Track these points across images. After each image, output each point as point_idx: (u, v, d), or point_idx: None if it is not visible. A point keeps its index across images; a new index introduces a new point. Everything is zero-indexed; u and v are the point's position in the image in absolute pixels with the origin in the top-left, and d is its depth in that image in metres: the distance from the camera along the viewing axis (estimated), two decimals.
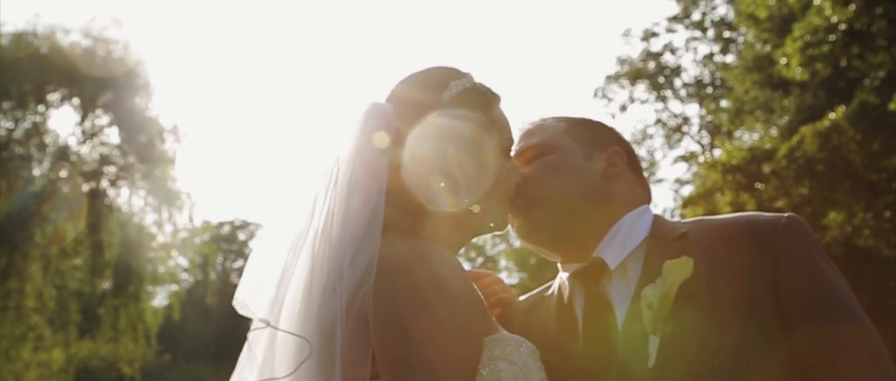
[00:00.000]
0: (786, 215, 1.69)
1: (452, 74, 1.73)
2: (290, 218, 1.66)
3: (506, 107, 1.78)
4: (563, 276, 1.83)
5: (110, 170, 19.57)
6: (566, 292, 1.78)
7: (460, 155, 1.64)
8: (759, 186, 12.85)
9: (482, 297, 1.68)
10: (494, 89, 1.76)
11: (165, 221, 19.92)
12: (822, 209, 12.14)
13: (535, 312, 1.83)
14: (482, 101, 1.72)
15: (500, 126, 1.74)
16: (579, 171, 1.80)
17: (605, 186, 1.80)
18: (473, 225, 1.71)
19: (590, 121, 1.91)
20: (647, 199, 1.86)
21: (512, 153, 1.81)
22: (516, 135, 1.86)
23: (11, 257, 17.70)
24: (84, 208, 18.49)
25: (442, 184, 1.63)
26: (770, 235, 1.63)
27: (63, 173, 19.02)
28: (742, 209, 12.19)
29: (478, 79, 1.76)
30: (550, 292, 1.86)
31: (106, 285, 19.86)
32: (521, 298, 1.95)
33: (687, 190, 21.18)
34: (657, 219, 1.78)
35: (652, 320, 1.58)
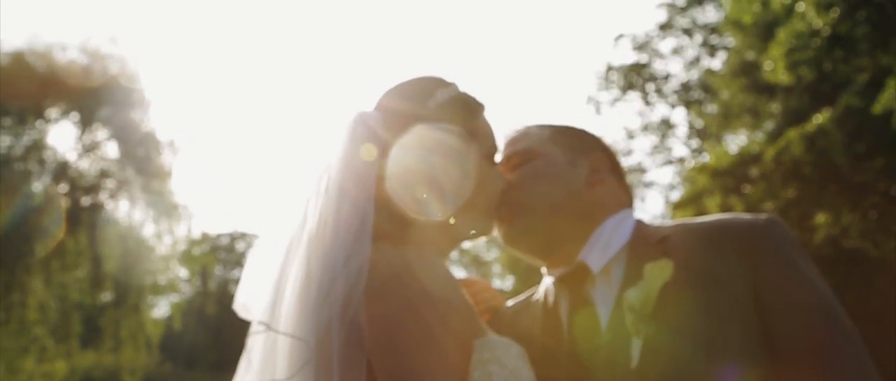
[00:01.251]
0: (764, 216, 1.70)
1: (438, 84, 1.74)
2: (284, 222, 1.67)
3: (493, 114, 1.80)
4: (548, 281, 1.84)
5: (109, 183, 19.54)
6: (551, 297, 1.79)
7: (444, 164, 1.65)
8: (747, 189, 12.87)
9: (472, 303, 1.69)
10: (479, 98, 1.77)
11: (164, 233, 19.91)
12: (809, 211, 12.16)
13: (521, 316, 1.84)
14: (467, 109, 1.73)
15: (484, 134, 1.75)
16: (563, 177, 1.81)
17: (589, 192, 1.81)
18: (459, 231, 1.72)
19: (573, 128, 1.92)
20: (630, 204, 1.87)
21: (497, 160, 1.82)
22: (501, 142, 1.88)
23: (13, 271, 17.67)
24: (84, 221, 18.46)
25: (426, 193, 1.64)
26: (748, 236, 1.64)
27: (63, 188, 18.99)
28: (730, 212, 12.21)
29: (465, 87, 1.77)
30: (536, 297, 1.87)
31: (107, 296, 19.84)
32: (509, 303, 1.96)
33: (676, 194, 21.20)
34: (639, 223, 1.79)
35: (634, 322, 1.59)
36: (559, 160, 1.82)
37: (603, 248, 1.73)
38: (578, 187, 1.80)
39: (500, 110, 1.82)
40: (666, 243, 1.68)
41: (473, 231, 1.75)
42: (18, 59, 18.19)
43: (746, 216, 1.71)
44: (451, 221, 1.68)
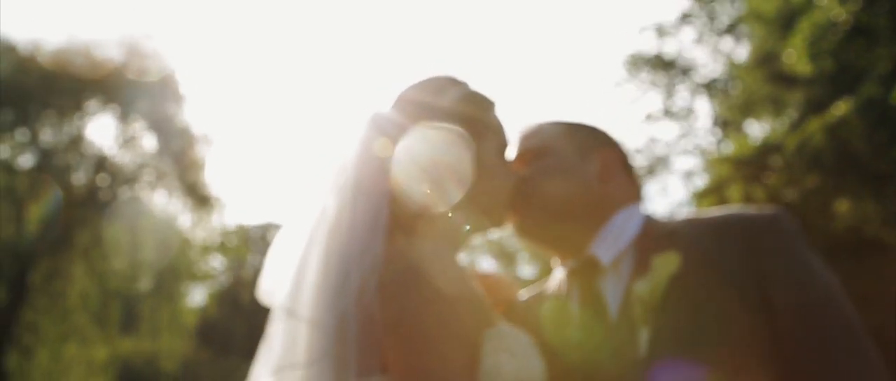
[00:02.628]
0: (771, 210, 1.70)
1: (449, 83, 1.77)
2: (306, 215, 1.70)
3: (508, 108, 1.83)
4: (559, 273, 1.86)
5: (147, 175, 19.78)
6: (563, 288, 1.81)
7: (456, 160, 1.68)
8: (769, 178, 12.77)
9: (485, 294, 1.71)
10: (489, 95, 1.80)
11: (200, 223, 20.15)
12: (830, 199, 12.05)
13: (533, 308, 1.85)
14: (477, 106, 1.76)
15: (495, 130, 1.77)
16: (574, 172, 1.82)
17: (599, 188, 1.82)
18: (471, 224, 1.75)
19: (585, 125, 1.93)
20: (639, 198, 1.88)
21: (510, 156, 1.84)
22: (515, 138, 1.90)
23: (56, 261, 17.97)
24: (123, 212, 18.71)
25: (438, 187, 1.66)
26: (754, 231, 1.64)
27: (103, 179, 19.26)
28: (752, 201, 12.17)
29: (478, 83, 1.80)
30: (548, 288, 1.89)
31: (145, 285, 20.11)
32: (521, 294, 1.97)
33: (698, 182, 21.03)
34: (648, 218, 1.80)
35: (642, 313, 1.61)
36: (571, 156, 1.84)
37: (613, 241, 1.75)
38: (589, 183, 1.82)
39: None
40: (674, 237, 1.69)
41: (485, 225, 1.78)
42: (60, 56, 18.46)
43: (753, 211, 1.71)
44: (463, 214, 1.70)
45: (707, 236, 1.67)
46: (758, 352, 1.56)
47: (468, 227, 1.74)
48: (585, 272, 1.75)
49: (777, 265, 1.60)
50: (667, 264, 1.62)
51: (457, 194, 1.68)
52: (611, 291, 1.71)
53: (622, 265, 1.72)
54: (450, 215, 1.69)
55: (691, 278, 1.61)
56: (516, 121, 1.94)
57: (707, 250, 1.64)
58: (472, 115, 1.73)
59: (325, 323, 1.54)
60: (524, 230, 1.85)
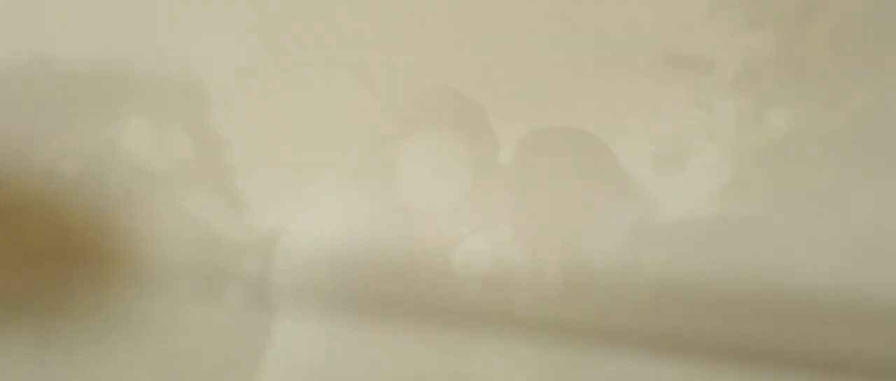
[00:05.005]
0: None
1: (444, 90, 1.77)
2: (313, 217, 1.71)
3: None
4: None
5: (182, 179, 20.17)
6: None
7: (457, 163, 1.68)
8: (789, 169, 12.74)
9: None
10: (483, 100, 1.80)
11: (235, 225, 20.54)
12: (851, 189, 11.99)
13: None
14: (472, 112, 1.76)
15: (489, 135, 1.77)
16: None
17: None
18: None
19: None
20: (633, 202, 1.86)
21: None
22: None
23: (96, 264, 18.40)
24: (158, 214, 19.10)
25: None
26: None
27: (140, 184, 19.66)
28: (774, 194, 12.16)
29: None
30: None
31: (183, 286, 20.55)
32: None
33: (721, 175, 21.12)
34: (641, 219, 1.78)
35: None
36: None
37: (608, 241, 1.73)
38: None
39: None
40: (666, 238, 1.67)
41: None
42: (97, 67, 18.90)
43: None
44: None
45: (699, 235, 1.65)
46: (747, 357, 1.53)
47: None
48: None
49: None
50: (659, 264, 1.61)
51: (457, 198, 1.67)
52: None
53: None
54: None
55: (682, 281, 1.60)
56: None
57: (699, 250, 1.63)
58: (468, 120, 1.73)
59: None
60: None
